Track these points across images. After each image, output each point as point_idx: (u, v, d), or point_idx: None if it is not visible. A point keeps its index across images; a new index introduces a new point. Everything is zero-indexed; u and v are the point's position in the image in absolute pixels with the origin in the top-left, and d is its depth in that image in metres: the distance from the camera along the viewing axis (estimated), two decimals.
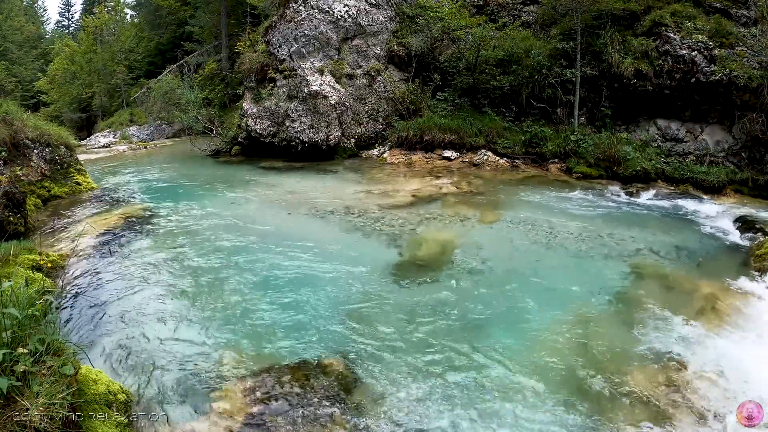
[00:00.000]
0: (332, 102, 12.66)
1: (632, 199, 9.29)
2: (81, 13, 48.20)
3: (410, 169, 11.28)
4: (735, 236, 7.21)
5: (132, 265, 5.62)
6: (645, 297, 5.22)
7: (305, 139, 12.59)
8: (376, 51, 13.93)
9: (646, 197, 9.38)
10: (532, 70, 12.27)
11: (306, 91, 12.56)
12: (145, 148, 17.77)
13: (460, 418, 3.45)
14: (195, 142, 15.44)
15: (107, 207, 7.96)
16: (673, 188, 9.94)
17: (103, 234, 6.54)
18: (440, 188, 9.61)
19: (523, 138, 11.99)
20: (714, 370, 4.00)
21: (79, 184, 8.84)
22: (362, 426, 3.35)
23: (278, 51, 13.36)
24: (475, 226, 7.38)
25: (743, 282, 5.52)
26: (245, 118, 13.55)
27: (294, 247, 6.32)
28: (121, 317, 4.51)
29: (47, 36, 48.76)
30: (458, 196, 9.16)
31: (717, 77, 10.23)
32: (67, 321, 4.34)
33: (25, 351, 2.66)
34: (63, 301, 4.61)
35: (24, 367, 2.58)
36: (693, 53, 10.55)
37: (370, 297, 5.07)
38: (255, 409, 3.43)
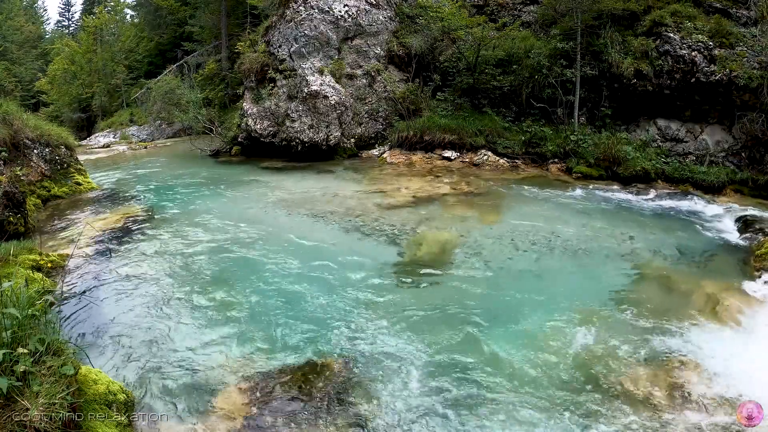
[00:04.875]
0: (332, 102, 12.66)
1: (632, 199, 9.29)
2: (81, 13, 48.13)
3: (410, 169, 11.28)
4: (735, 236, 7.21)
5: (132, 265, 5.62)
6: (645, 297, 5.22)
7: (305, 139, 12.58)
8: (376, 51, 13.92)
9: (646, 197, 9.37)
10: (532, 70, 12.27)
11: (306, 91, 12.55)
12: (145, 148, 17.75)
13: (459, 418, 3.45)
14: (195, 142, 15.42)
15: (107, 207, 7.96)
16: (673, 188, 9.94)
17: (103, 234, 6.54)
18: (440, 188, 9.60)
19: (523, 138, 11.98)
20: (714, 370, 4.00)
21: (79, 184, 8.84)
22: (362, 426, 3.35)
23: (278, 51, 13.36)
24: (475, 227, 7.38)
25: (743, 282, 5.52)
26: (245, 118, 13.55)
27: (293, 247, 6.32)
28: (121, 317, 4.51)
29: (47, 36, 48.68)
30: (458, 196, 9.16)
31: (717, 77, 10.23)
32: (67, 321, 4.34)
33: (25, 351, 2.66)
34: (63, 301, 4.60)
35: (24, 367, 2.58)
36: (693, 53, 10.55)
37: (370, 297, 5.07)
38: (255, 410, 3.43)
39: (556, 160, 11.42)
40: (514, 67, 12.53)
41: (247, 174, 11.43)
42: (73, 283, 5.09)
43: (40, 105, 34.47)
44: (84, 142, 21.40)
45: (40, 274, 4.88)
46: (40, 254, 5.33)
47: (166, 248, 6.16)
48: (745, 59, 10.16)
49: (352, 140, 13.21)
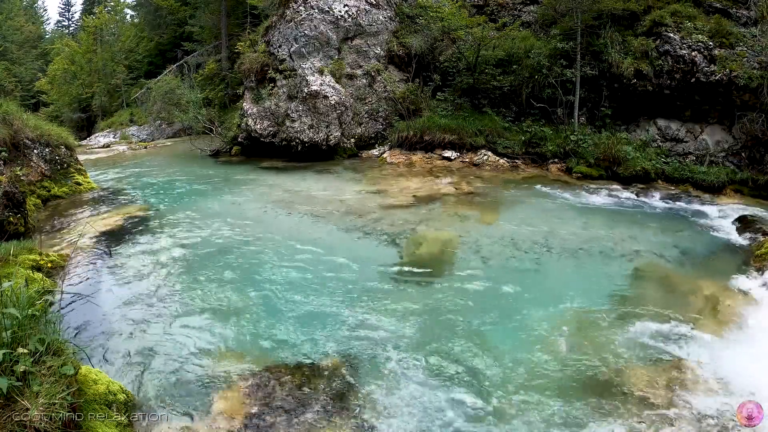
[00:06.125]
0: (332, 102, 12.66)
1: (632, 199, 9.29)
2: (81, 13, 48.15)
3: (410, 169, 11.28)
4: (735, 236, 7.21)
5: (132, 265, 5.62)
6: (645, 297, 5.22)
7: (305, 139, 12.58)
8: (376, 51, 13.92)
9: (646, 197, 9.38)
10: (532, 70, 12.27)
11: (306, 91, 12.55)
12: (145, 148, 17.75)
13: (459, 417, 3.45)
14: (195, 142, 15.42)
15: (107, 207, 7.96)
16: (673, 188, 9.94)
17: (103, 234, 6.54)
18: (440, 188, 9.60)
19: (523, 138, 11.98)
20: (714, 370, 4.00)
21: (79, 184, 8.83)
22: (362, 426, 3.35)
23: (278, 51, 13.36)
24: (475, 226, 7.38)
25: (743, 282, 5.52)
26: (245, 118, 13.55)
27: (294, 248, 6.32)
28: (121, 317, 4.51)
29: (47, 36, 48.69)
30: (458, 196, 9.16)
31: (717, 77, 10.23)
32: (67, 321, 4.33)
33: (25, 351, 2.66)
34: (63, 301, 4.60)
35: (24, 367, 2.58)
36: (693, 53, 10.55)
37: (370, 297, 5.07)
38: (255, 410, 3.43)
39: (556, 160, 11.42)
40: (514, 67, 12.53)
41: (247, 174, 11.43)
42: (73, 283, 5.09)
43: (40, 105, 34.47)
44: (84, 142, 21.40)
45: (40, 274, 4.87)
46: (40, 254, 5.33)
47: (165, 248, 6.16)
48: (745, 59, 10.16)
49: (352, 140, 13.21)
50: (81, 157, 10.18)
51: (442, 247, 6.58)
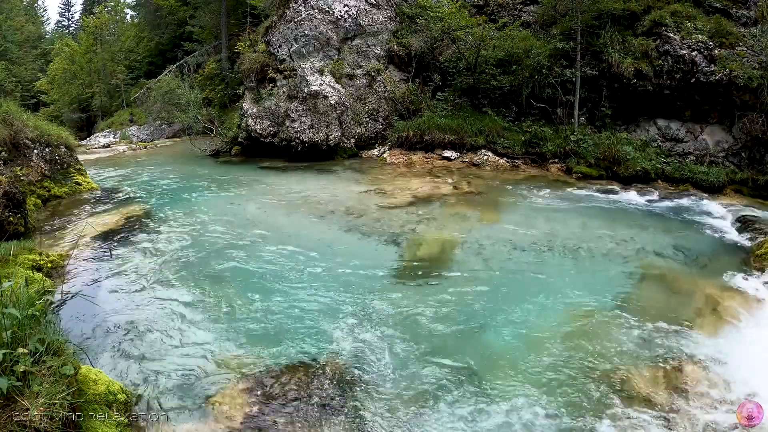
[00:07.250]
0: (332, 102, 12.66)
1: (632, 199, 9.29)
2: (81, 13, 48.20)
3: (410, 169, 11.28)
4: (735, 236, 7.21)
5: (132, 265, 5.62)
6: (645, 297, 5.22)
7: (305, 139, 12.59)
8: (376, 51, 13.93)
9: (646, 197, 9.38)
10: (532, 70, 12.27)
11: (306, 91, 12.56)
12: (145, 148, 17.76)
13: (458, 419, 3.45)
14: (195, 142, 15.42)
15: (107, 207, 7.96)
16: (673, 188, 9.94)
17: (103, 234, 6.54)
18: (440, 188, 9.60)
19: (523, 138, 11.99)
20: (714, 370, 4.00)
21: (79, 184, 8.83)
22: (360, 426, 3.35)
23: (278, 51, 13.37)
24: (475, 226, 7.38)
25: (743, 282, 5.52)
26: (245, 118, 13.55)
27: (293, 248, 6.32)
28: (121, 317, 4.51)
29: (47, 36, 48.69)
30: (458, 196, 9.16)
31: (717, 77, 10.24)
32: (67, 321, 4.33)
33: (25, 351, 2.66)
34: (63, 301, 4.60)
35: (24, 367, 2.58)
36: (693, 53, 10.56)
37: (370, 297, 5.07)
38: (254, 410, 3.43)
39: (556, 160, 11.42)
40: (514, 67, 12.53)
41: (247, 174, 11.43)
42: (73, 283, 5.09)
43: (40, 105, 34.46)
44: (84, 142, 21.40)
45: (40, 274, 4.87)
46: (40, 254, 5.33)
47: (165, 248, 6.16)
48: (745, 59, 10.17)
49: (352, 140, 13.21)
50: (81, 157, 10.18)
51: (442, 247, 6.58)
